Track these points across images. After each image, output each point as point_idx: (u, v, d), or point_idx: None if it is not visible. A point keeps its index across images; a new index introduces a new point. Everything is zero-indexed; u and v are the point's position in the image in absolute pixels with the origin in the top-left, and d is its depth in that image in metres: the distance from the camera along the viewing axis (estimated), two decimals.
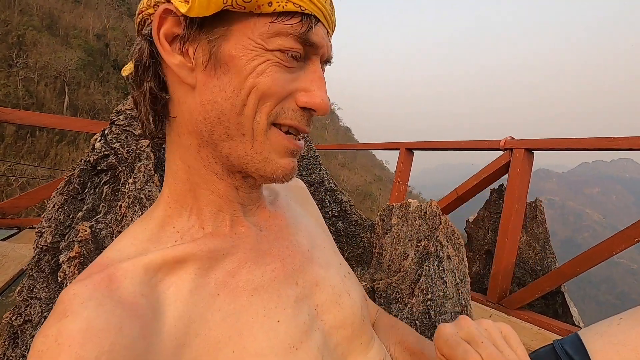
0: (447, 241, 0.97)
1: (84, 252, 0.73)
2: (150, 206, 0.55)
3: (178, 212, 0.45)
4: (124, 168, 0.82)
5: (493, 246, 2.02)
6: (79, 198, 0.83)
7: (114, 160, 0.82)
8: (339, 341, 0.49)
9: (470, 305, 0.93)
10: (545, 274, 1.85)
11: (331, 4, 0.43)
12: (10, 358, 0.74)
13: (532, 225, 1.98)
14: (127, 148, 0.83)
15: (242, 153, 0.41)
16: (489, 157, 2.18)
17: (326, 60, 0.46)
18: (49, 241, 0.78)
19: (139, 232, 0.44)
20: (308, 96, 0.42)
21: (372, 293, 1.02)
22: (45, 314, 0.76)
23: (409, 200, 1.13)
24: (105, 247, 0.43)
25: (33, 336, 0.70)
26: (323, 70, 0.45)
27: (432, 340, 0.49)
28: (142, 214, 0.71)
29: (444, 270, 0.93)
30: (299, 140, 0.45)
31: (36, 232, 0.80)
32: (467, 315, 0.92)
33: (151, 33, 0.40)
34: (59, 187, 0.83)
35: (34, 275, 0.78)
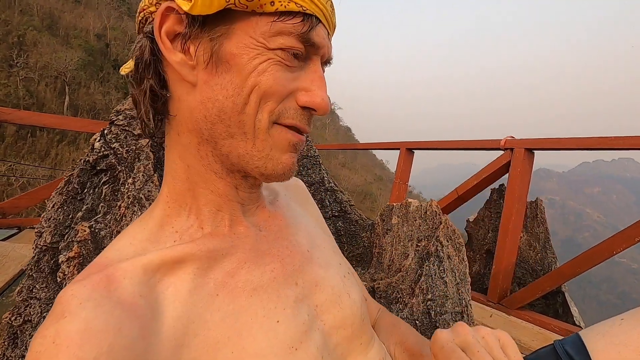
0: (448, 241, 0.97)
1: (83, 252, 0.73)
2: (149, 206, 0.55)
3: (177, 212, 0.45)
4: (123, 168, 0.81)
5: (493, 246, 2.02)
6: (79, 198, 0.83)
7: (113, 160, 0.82)
8: (338, 341, 0.49)
9: (470, 305, 0.93)
10: (546, 273, 1.85)
11: (332, 6, 0.43)
12: (10, 358, 0.74)
13: (532, 225, 1.98)
14: (127, 148, 0.83)
15: (243, 151, 0.41)
16: (490, 157, 2.19)
17: (326, 61, 0.46)
18: (48, 241, 0.78)
19: (138, 232, 0.44)
20: (309, 95, 0.42)
21: (372, 293, 1.02)
22: (44, 314, 0.76)
23: (409, 200, 1.13)
24: (105, 247, 0.43)
25: (32, 336, 0.70)
26: (323, 71, 0.45)
27: None
28: (141, 214, 0.71)
29: (444, 270, 0.93)
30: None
31: (36, 232, 0.80)
32: (468, 315, 0.92)
33: (152, 31, 0.40)
34: (58, 187, 0.83)
35: (34, 275, 0.77)
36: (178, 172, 0.45)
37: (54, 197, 0.81)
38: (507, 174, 2.01)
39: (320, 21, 0.41)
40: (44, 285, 0.77)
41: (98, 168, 0.83)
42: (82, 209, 0.79)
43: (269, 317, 0.42)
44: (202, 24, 0.39)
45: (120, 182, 0.81)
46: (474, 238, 2.24)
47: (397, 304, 0.97)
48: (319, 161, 1.35)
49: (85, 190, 0.83)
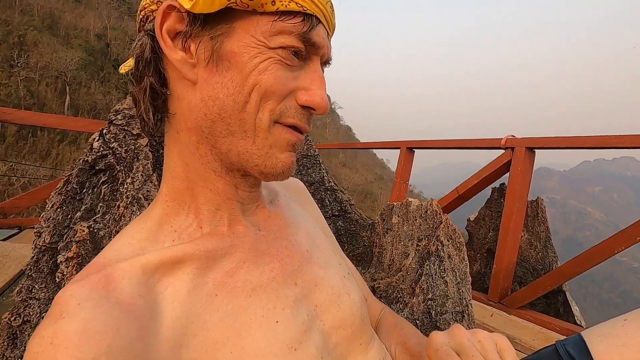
0: (448, 240, 0.96)
1: (82, 252, 0.72)
2: (148, 206, 0.55)
3: (176, 211, 0.45)
4: (122, 168, 0.81)
5: (494, 245, 2.02)
6: (77, 198, 0.82)
7: (112, 160, 0.82)
8: (338, 341, 0.49)
9: (471, 304, 0.93)
10: (547, 272, 1.84)
11: (332, 7, 0.44)
12: (10, 358, 0.74)
13: (533, 224, 1.97)
14: (126, 148, 0.83)
15: (243, 149, 0.41)
16: (490, 156, 2.18)
17: (325, 62, 0.46)
18: (47, 241, 0.78)
19: (137, 231, 0.44)
20: (308, 95, 0.42)
21: (372, 292, 1.02)
22: (43, 314, 0.76)
23: (410, 199, 1.12)
24: (103, 247, 0.43)
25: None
26: (322, 71, 0.45)
27: None
28: (140, 213, 0.71)
29: (444, 269, 0.92)
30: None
31: (35, 232, 0.80)
32: (468, 314, 0.91)
33: (153, 29, 0.40)
34: (57, 187, 0.82)
35: (33, 275, 0.77)
36: (177, 170, 0.45)
37: (53, 197, 0.81)
38: (508, 173, 2.00)
39: (320, 21, 0.42)
40: (43, 286, 0.77)
41: (97, 168, 0.83)
42: (81, 209, 0.79)
43: (268, 317, 0.42)
44: (203, 23, 0.39)
45: (119, 182, 0.81)
46: (475, 237, 2.24)
47: (398, 304, 0.97)
48: (318, 160, 1.35)
49: (84, 190, 0.83)
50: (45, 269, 0.77)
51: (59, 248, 0.77)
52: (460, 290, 0.92)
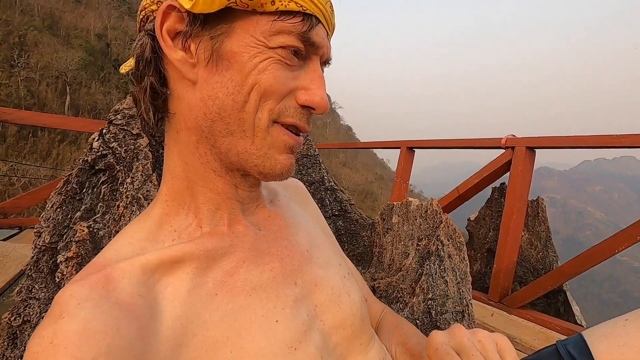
0: (448, 240, 0.96)
1: (82, 252, 0.72)
2: (148, 206, 0.55)
3: (175, 211, 0.45)
4: (122, 167, 0.81)
5: (494, 245, 2.01)
6: (77, 198, 0.82)
7: (111, 160, 0.82)
8: (338, 341, 0.49)
9: (471, 304, 0.93)
10: (547, 272, 1.84)
11: (331, 7, 0.44)
12: (10, 358, 0.74)
13: (533, 224, 1.97)
14: (125, 147, 0.83)
15: (242, 149, 0.41)
16: (491, 156, 2.18)
17: (325, 62, 0.46)
18: (47, 241, 0.78)
19: (136, 231, 0.44)
20: (308, 94, 0.42)
21: (372, 292, 1.02)
22: (43, 314, 0.76)
23: (410, 199, 1.12)
24: (103, 247, 0.43)
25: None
26: (322, 71, 0.45)
27: None
28: (140, 213, 0.71)
29: (445, 269, 0.92)
30: (299, 135, 0.45)
31: (35, 232, 0.80)
32: (469, 314, 0.91)
33: (154, 29, 0.41)
34: (57, 187, 0.82)
35: (33, 275, 0.77)
36: (177, 170, 0.45)
37: (52, 197, 0.81)
38: (508, 173, 2.00)
39: (319, 21, 0.42)
40: (43, 286, 0.77)
41: (97, 168, 0.83)
42: (81, 209, 0.79)
43: (268, 316, 0.42)
44: (203, 23, 0.39)
45: (119, 181, 0.81)
46: (475, 237, 2.24)
47: (398, 304, 0.97)
48: (318, 160, 1.35)
49: (84, 190, 0.83)
50: (45, 269, 0.77)
51: (58, 248, 0.77)
52: (461, 290, 0.92)
